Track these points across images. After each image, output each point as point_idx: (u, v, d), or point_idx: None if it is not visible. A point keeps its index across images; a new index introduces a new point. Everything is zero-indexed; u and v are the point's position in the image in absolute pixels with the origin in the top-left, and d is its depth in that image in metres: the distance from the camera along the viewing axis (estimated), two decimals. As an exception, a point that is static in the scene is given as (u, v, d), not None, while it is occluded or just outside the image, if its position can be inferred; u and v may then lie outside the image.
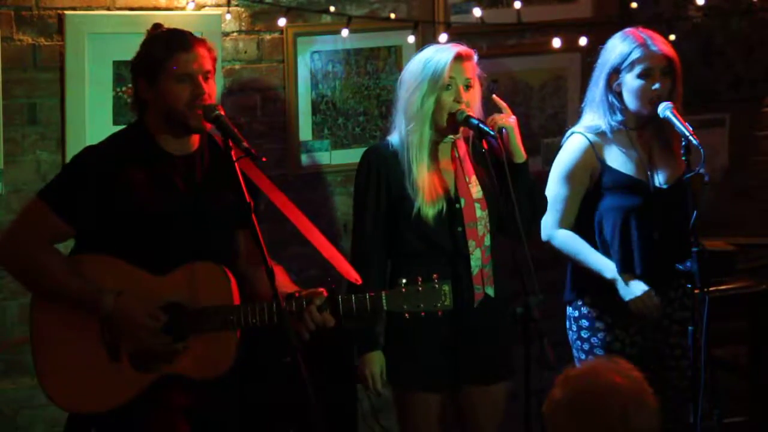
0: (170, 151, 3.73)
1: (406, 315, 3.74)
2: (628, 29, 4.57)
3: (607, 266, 4.48)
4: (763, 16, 5.80)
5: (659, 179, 4.51)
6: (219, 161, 3.71)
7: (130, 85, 3.80)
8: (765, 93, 5.95)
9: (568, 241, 4.52)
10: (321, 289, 3.71)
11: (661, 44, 4.46)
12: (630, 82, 4.44)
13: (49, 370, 3.69)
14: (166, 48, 3.66)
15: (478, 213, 4.18)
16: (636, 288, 4.47)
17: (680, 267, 4.32)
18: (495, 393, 4.28)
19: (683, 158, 4.28)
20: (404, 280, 3.74)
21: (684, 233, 4.34)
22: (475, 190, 4.19)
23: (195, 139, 3.77)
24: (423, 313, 3.75)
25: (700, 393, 4.29)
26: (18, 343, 4.62)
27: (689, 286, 4.29)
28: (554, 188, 4.53)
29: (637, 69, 4.43)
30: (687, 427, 4.37)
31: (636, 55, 4.43)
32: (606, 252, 4.50)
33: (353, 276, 3.86)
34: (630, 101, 4.46)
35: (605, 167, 4.49)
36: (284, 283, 3.77)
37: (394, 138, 4.22)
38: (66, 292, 3.66)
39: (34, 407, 4.81)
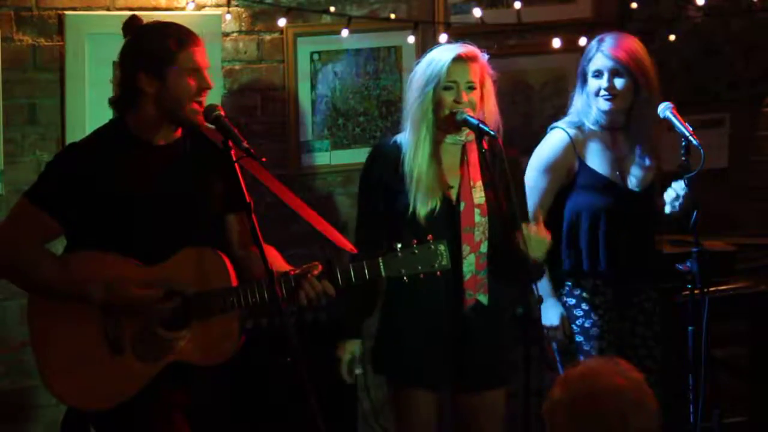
0: (152, 141, 3.74)
1: (405, 279, 3.74)
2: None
3: (541, 284, 4.49)
4: (763, 16, 5.80)
5: (631, 182, 4.60)
6: (202, 148, 3.74)
7: (111, 79, 3.77)
8: (765, 93, 5.94)
9: None
10: (316, 263, 3.73)
11: (616, 48, 4.54)
12: (589, 81, 4.59)
13: (54, 370, 3.69)
14: (176, 41, 3.65)
15: (477, 218, 4.15)
16: (550, 318, 4.58)
17: (680, 267, 4.35)
18: (491, 400, 4.26)
19: (683, 159, 4.33)
20: (399, 245, 3.74)
21: (650, 234, 4.60)
22: (478, 195, 4.16)
23: (178, 129, 3.77)
24: (422, 276, 3.74)
25: (700, 393, 4.30)
26: (19, 347, 4.62)
27: (689, 286, 4.31)
28: (531, 179, 4.57)
29: (591, 69, 4.58)
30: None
31: (590, 55, 4.60)
32: (571, 248, 4.57)
33: (348, 246, 3.89)
34: (591, 98, 4.58)
35: (582, 165, 4.58)
36: (278, 263, 3.80)
37: (402, 136, 4.23)
38: (59, 289, 3.66)
39: (34, 407, 4.81)
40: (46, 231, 3.70)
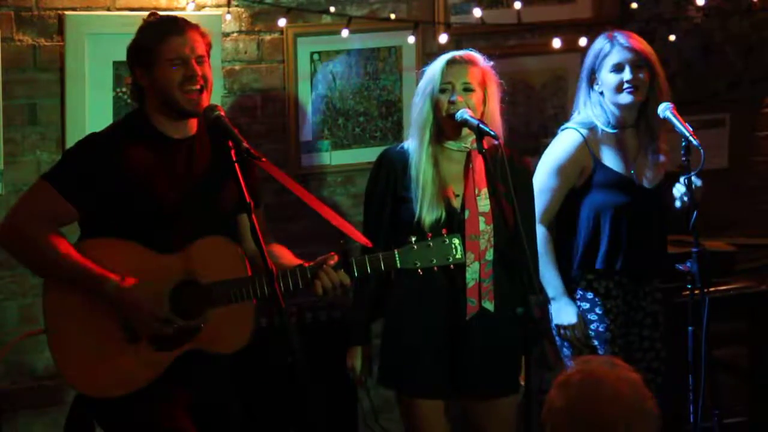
0: (170, 134, 3.76)
1: (420, 272, 3.78)
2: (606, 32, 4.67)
3: (554, 284, 4.55)
4: (763, 16, 5.80)
5: (644, 180, 4.59)
6: (217, 144, 3.75)
7: (128, 75, 3.82)
8: (765, 93, 5.95)
9: (540, 245, 4.49)
10: (332, 253, 3.76)
11: (632, 40, 4.56)
12: (604, 77, 4.55)
13: (69, 357, 3.69)
14: (158, 33, 3.71)
15: (482, 226, 4.14)
16: (566, 316, 4.56)
17: (680, 267, 4.34)
18: (500, 407, 4.23)
19: (683, 159, 4.32)
20: (414, 238, 3.79)
21: (664, 233, 4.59)
22: (483, 203, 4.14)
23: (193, 123, 3.79)
24: (436, 269, 3.78)
25: (700, 393, 4.30)
26: (22, 339, 4.61)
27: (689, 286, 4.31)
28: (543, 179, 4.55)
29: (609, 64, 4.54)
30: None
31: (606, 50, 4.55)
32: (589, 246, 4.54)
33: (364, 240, 3.92)
34: (608, 96, 4.55)
35: (598, 164, 4.55)
36: (289, 259, 3.83)
37: (408, 143, 4.23)
38: (71, 274, 3.65)
39: (34, 407, 4.81)
40: (61, 214, 3.69)
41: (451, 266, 3.81)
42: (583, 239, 4.56)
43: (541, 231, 4.51)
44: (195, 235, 3.70)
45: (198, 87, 3.71)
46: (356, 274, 3.76)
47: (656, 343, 4.65)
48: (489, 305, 4.15)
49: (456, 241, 3.80)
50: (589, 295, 4.58)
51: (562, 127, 4.65)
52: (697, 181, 4.43)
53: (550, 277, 4.54)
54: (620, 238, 4.53)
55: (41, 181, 3.74)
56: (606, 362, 2.74)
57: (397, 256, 3.77)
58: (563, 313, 4.56)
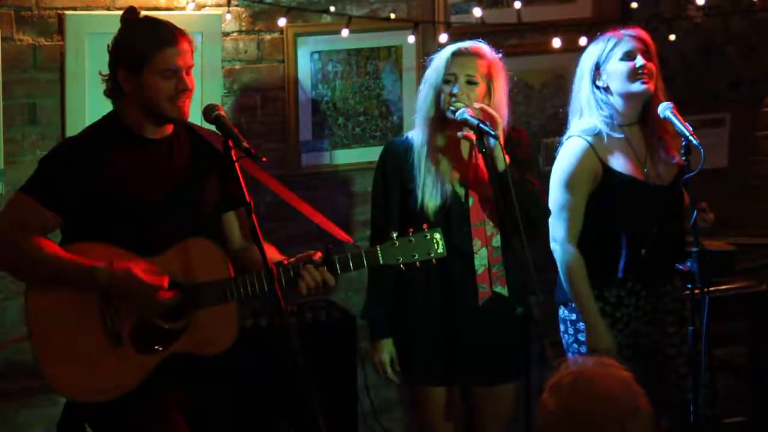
0: (146, 135, 3.74)
1: (402, 267, 3.77)
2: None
3: (590, 309, 4.41)
4: (763, 16, 5.80)
5: (658, 178, 4.50)
6: (196, 144, 3.75)
7: (106, 72, 3.76)
8: (765, 93, 5.95)
9: (573, 267, 4.42)
10: (313, 251, 3.75)
11: (640, 31, 4.51)
12: (613, 67, 4.44)
13: (53, 363, 3.69)
14: (152, 41, 3.65)
15: (487, 213, 4.17)
16: (603, 342, 4.41)
17: (680, 267, 4.32)
18: (501, 393, 4.27)
19: (683, 159, 4.28)
20: (395, 234, 3.78)
21: (679, 230, 4.45)
22: (488, 189, 4.14)
23: (170, 123, 3.77)
24: (419, 264, 3.78)
25: (700, 393, 4.29)
26: (15, 341, 4.62)
27: (689, 286, 4.29)
28: (558, 196, 4.46)
29: (618, 53, 4.44)
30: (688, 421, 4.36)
31: (613, 42, 4.45)
32: (605, 255, 4.48)
33: (345, 237, 3.92)
34: (618, 86, 4.44)
35: (607, 169, 4.46)
36: (271, 253, 3.79)
37: (413, 132, 4.25)
38: (61, 274, 3.64)
39: (34, 407, 4.82)
40: (43, 224, 3.69)
41: (434, 261, 3.80)
42: (598, 248, 4.46)
43: (570, 252, 4.42)
44: (177, 236, 3.70)
45: (187, 98, 3.69)
46: (339, 272, 3.75)
47: (682, 344, 4.49)
48: (502, 290, 4.18)
49: (437, 235, 3.79)
50: (599, 304, 4.48)
51: (566, 136, 4.54)
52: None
53: (585, 302, 4.41)
54: (637, 244, 4.44)
55: (19, 194, 3.73)
56: (597, 362, 2.72)
57: (379, 252, 3.77)
58: (600, 339, 4.41)
